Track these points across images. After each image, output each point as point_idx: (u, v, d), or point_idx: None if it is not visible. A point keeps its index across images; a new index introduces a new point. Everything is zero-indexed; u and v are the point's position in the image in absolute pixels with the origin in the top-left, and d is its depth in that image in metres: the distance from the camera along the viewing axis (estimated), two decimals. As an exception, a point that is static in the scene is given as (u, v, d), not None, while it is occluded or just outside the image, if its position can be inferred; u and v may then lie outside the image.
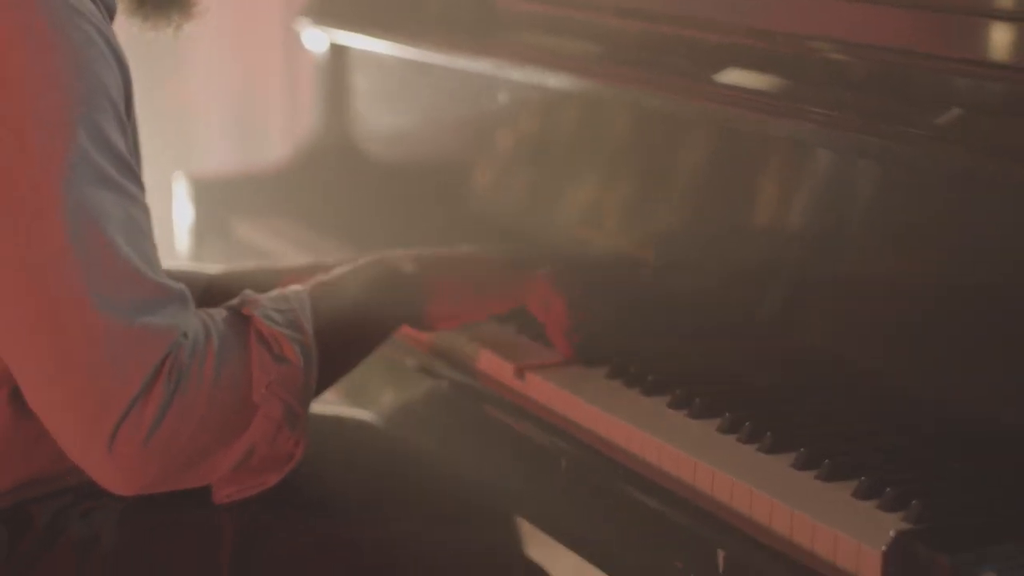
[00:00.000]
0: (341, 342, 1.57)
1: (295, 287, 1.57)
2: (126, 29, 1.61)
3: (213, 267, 1.86)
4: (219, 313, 1.49)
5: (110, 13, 1.57)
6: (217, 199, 2.35)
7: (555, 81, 1.97)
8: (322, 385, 1.55)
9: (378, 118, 2.36)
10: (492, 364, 1.74)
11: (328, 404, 1.89)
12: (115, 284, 1.39)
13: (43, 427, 1.52)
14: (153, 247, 1.46)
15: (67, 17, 1.41)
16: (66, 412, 1.40)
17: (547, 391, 1.66)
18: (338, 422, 1.91)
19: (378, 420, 1.94)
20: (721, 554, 1.39)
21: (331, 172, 2.39)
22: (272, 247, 2.24)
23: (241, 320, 1.49)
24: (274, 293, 1.54)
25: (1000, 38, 1.71)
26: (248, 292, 1.53)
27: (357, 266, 1.66)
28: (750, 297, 1.70)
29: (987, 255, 1.48)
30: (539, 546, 1.80)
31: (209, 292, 1.86)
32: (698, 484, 1.46)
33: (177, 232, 2.37)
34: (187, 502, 1.56)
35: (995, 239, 1.47)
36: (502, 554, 1.74)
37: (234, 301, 1.52)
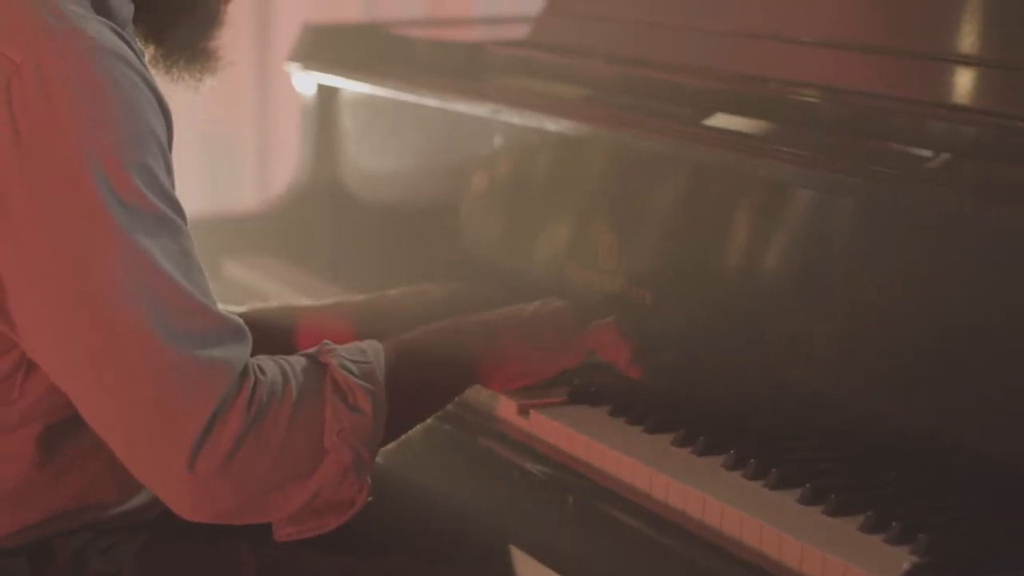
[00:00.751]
0: (410, 399, 1.62)
1: (372, 341, 1.61)
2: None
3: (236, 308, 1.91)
4: (298, 360, 1.54)
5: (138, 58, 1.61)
6: (206, 240, 2.37)
7: (541, 124, 2.02)
8: (390, 435, 1.60)
9: (365, 159, 2.40)
10: (497, 403, 1.78)
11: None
12: (178, 318, 1.44)
13: (67, 465, 1.55)
14: (204, 277, 1.50)
15: (114, 64, 1.45)
16: (142, 444, 1.45)
17: (552, 429, 1.70)
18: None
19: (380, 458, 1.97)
20: (733, 588, 1.43)
21: (319, 212, 2.43)
22: (262, 286, 2.27)
23: (318, 367, 1.54)
24: (351, 345, 1.59)
25: (970, 83, 1.78)
26: (327, 342, 1.57)
27: (431, 328, 1.70)
28: (747, 335, 1.75)
29: (971, 293, 1.53)
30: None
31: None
32: (707, 519, 1.50)
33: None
34: (205, 538, 1.59)
35: (976, 276, 1.53)
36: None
37: (312, 350, 1.56)
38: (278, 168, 3.44)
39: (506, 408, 1.77)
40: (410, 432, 1.83)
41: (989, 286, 1.52)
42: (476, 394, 1.80)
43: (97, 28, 1.46)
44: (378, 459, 1.91)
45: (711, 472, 1.57)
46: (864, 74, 1.90)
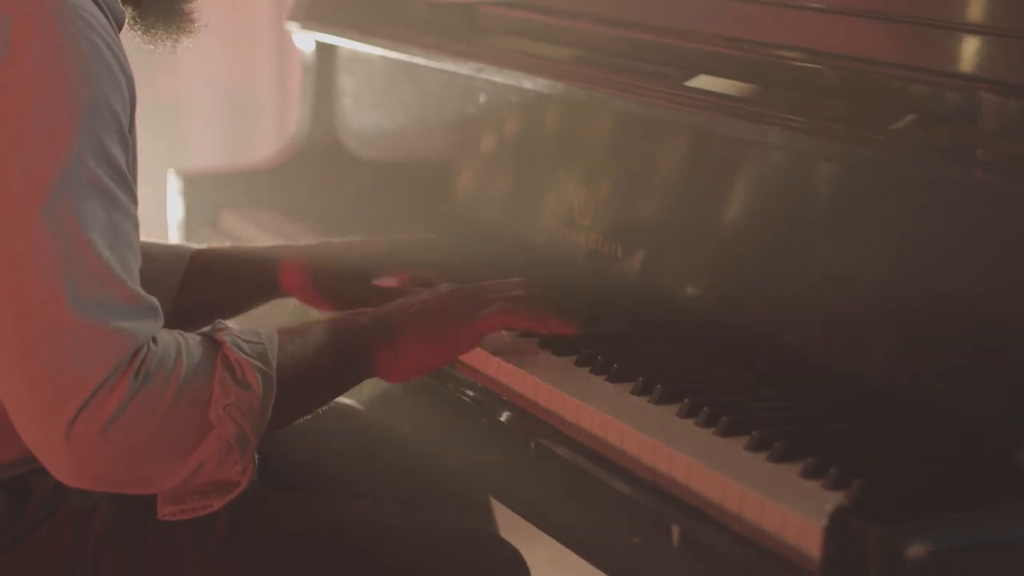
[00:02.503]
0: (300, 383, 1.63)
1: (267, 328, 1.63)
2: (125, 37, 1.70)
3: (195, 245, 1.97)
4: (192, 337, 1.56)
5: (118, 23, 1.66)
6: (207, 193, 2.44)
7: (533, 83, 2.06)
8: (276, 422, 1.60)
9: (362, 116, 2.46)
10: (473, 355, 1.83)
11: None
12: (90, 284, 1.46)
13: None
14: (136, 258, 1.53)
15: (78, 28, 1.49)
16: (27, 398, 1.47)
17: (518, 378, 1.75)
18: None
19: (361, 406, 2.03)
20: (675, 530, 1.49)
21: (315, 167, 2.48)
22: (258, 238, 2.33)
23: (212, 344, 1.56)
24: (246, 328, 1.61)
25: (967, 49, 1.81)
26: (220, 321, 1.60)
27: (326, 320, 1.73)
28: (709, 291, 1.80)
29: (943, 253, 1.58)
30: (513, 527, 1.90)
31: (194, 265, 1.98)
32: (658, 465, 1.55)
33: (170, 224, 2.47)
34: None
35: (955, 237, 1.57)
36: (478, 536, 1.83)
37: (207, 328, 1.59)
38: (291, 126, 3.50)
39: (477, 357, 1.82)
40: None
41: (948, 244, 1.57)
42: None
43: None
44: (358, 405, 1.98)
45: (665, 420, 1.61)
46: (851, 38, 1.94)
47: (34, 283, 1.46)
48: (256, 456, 1.58)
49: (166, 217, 2.47)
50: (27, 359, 1.46)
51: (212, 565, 1.66)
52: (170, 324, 1.90)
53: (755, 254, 1.77)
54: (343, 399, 2.00)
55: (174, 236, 2.45)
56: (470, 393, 1.81)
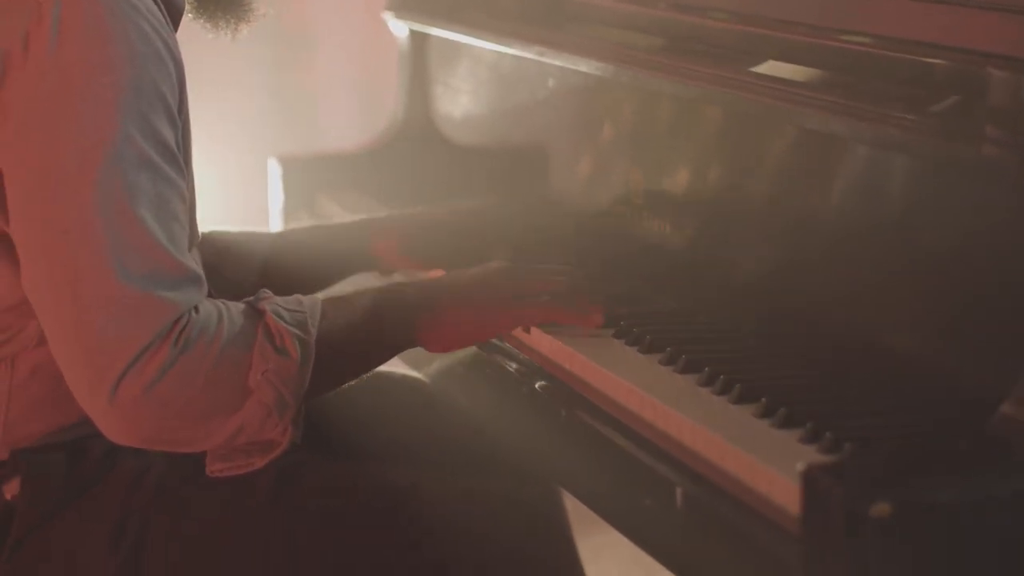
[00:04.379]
0: (341, 351, 1.70)
1: (312, 296, 1.71)
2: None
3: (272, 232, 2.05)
4: (236, 305, 1.64)
5: (178, 13, 1.75)
6: (304, 178, 2.53)
7: (618, 72, 2.10)
8: (317, 388, 1.67)
9: (452, 103, 2.53)
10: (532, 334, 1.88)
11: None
12: (136, 255, 1.55)
13: None
14: (182, 230, 1.61)
15: (126, 14, 1.58)
16: (76, 363, 1.56)
17: (555, 348, 1.81)
18: (390, 379, 2.08)
19: (429, 379, 2.10)
20: (679, 491, 1.53)
21: (408, 152, 2.56)
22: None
23: (255, 313, 1.64)
24: (291, 297, 1.69)
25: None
26: (265, 291, 1.68)
27: (374, 288, 1.79)
28: (741, 267, 1.85)
29: (957, 232, 1.60)
30: (556, 498, 1.95)
31: (275, 249, 2.07)
32: (669, 430, 1.60)
33: (271, 210, 2.56)
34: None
35: (966, 219, 1.59)
36: (521, 502, 1.89)
37: (251, 298, 1.67)
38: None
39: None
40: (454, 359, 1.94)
41: (947, 210, 1.60)
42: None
43: None
44: (420, 375, 2.05)
45: (684, 387, 1.67)
46: (924, 22, 1.95)
47: (84, 255, 1.55)
48: (299, 419, 1.65)
49: (266, 201, 2.57)
50: (79, 327, 1.55)
51: (255, 526, 1.73)
52: None
53: (788, 232, 1.80)
54: (392, 367, 2.07)
55: (275, 221, 2.54)
56: (512, 363, 1.87)
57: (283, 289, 2.05)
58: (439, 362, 2.09)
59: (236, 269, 2.02)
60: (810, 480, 1.34)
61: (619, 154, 2.14)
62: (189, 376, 1.56)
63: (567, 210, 2.22)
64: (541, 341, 1.83)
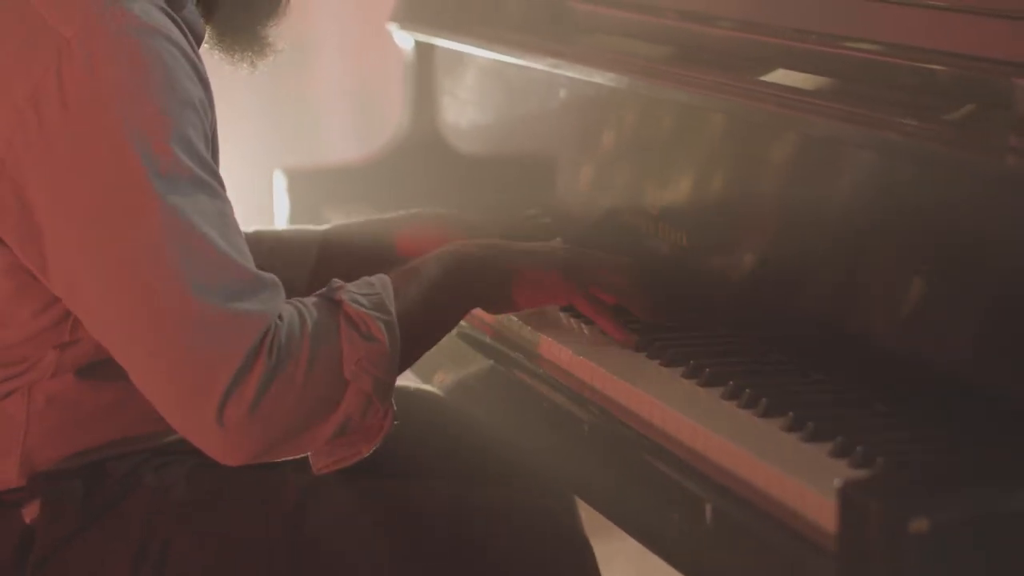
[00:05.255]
0: (422, 322, 1.71)
1: (379, 275, 1.70)
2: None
3: (323, 226, 2.08)
4: (311, 300, 1.64)
5: (197, 39, 1.74)
6: (310, 190, 2.53)
7: (625, 82, 2.10)
8: (406, 361, 1.69)
9: (460, 114, 2.52)
10: (549, 346, 1.88)
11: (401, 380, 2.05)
12: (211, 273, 1.54)
13: (123, 399, 1.68)
14: (244, 242, 1.61)
15: (156, 41, 1.57)
16: (172, 394, 1.55)
17: (576, 362, 1.81)
18: (405, 393, 2.07)
19: (443, 392, 2.10)
20: (708, 507, 1.53)
21: (415, 164, 2.56)
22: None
23: (332, 305, 1.63)
24: (360, 281, 1.68)
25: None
26: (336, 280, 1.67)
27: (435, 253, 1.79)
28: (761, 278, 1.85)
29: (979, 242, 1.59)
30: (573, 507, 1.95)
31: (326, 244, 2.07)
32: (696, 444, 1.59)
33: (277, 222, 2.56)
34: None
35: (991, 229, 1.58)
36: (539, 514, 1.89)
37: (323, 289, 1.66)
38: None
39: (545, 344, 1.88)
40: (469, 372, 1.94)
41: (987, 232, 1.58)
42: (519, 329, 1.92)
43: (143, 7, 1.58)
44: (435, 389, 2.05)
45: (710, 402, 1.66)
46: (930, 31, 1.95)
47: (158, 281, 1.54)
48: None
49: (272, 214, 2.56)
50: (163, 353, 1.54)
51: (277, 544, 1.73)
52: None
53: (810, 243, 1.79)
54: (416, 383, 2.07)
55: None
56: (531, 375, 1.87)
57: None
58: (454, 375, 2.08)
59: (288, 268, 2.02)
60: (847, 496, 1.33)
61: (632, 164, 2.13)
62: (288, 384, 1.56)
63: (575, 220, 2.22)
64: (560, 353, 1.83)
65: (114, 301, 1.56)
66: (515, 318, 1.92)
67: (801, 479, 1.45)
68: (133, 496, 1.73)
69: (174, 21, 1.63)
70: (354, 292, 1.65)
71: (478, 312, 1.97)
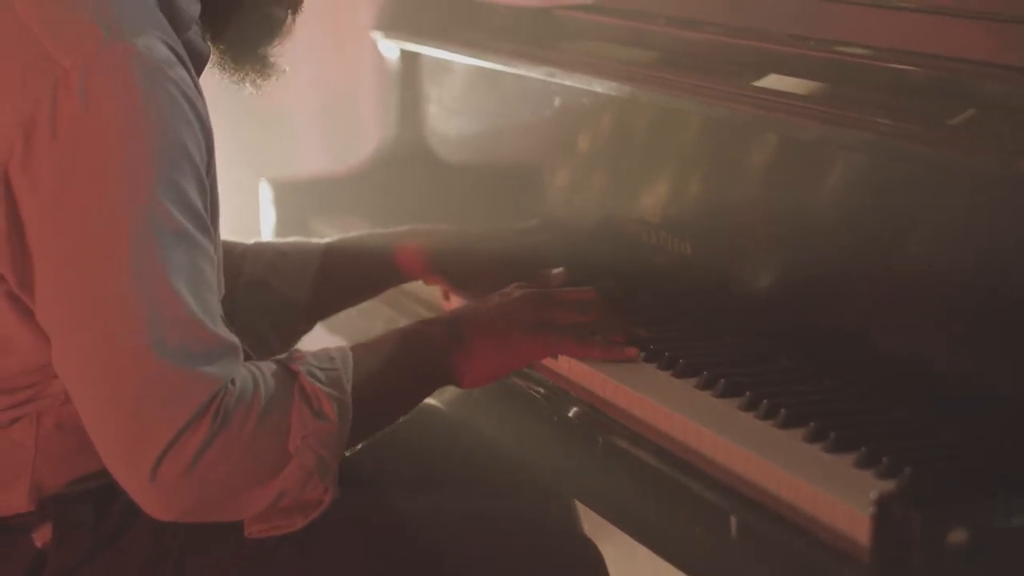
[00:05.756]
0: (380, 399, 1.70)
1: (342, 347, 1.68)
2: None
3: (323, 240, 2.06)
4: (268, 367, 1.61)
5: (202, 62, 1.71)
6: (297, 201, 2.51)
7: (613, 88, 2.09)
8: (360, 436, 1.68)
9: (447, 122, 2.51)
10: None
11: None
12: (174, 330, 1.52)
13: None
14: (215, 298, 1.58)
15: (155, 79, 1.54)
16: (113, 441, 1.53)
17: (587, 375, 1.80)
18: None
19: (443, 405, 2.08)
20: (733, 520, 1.52)
21: (402, 174, 2.54)
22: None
23: (288, 375, 1.61)
24: (321, 351, 1.66)
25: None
26: (296, 349, 1.66)
27: (399, 330, 1.77)
28: (769, 285, 1.84)
29: (993, 247, 1.59)
30: (582, 518, 1.94)
31: (327, 258, 2.06)
32: (718, 458, 1.58)
33: (263, 233, 2.53)
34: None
35: (1007, 232, 1.58)
36: (542, 525, 1.88)
37: (283, 356, 1.64)
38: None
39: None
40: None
41: (1001, 232, 1.59)
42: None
43: (147, 42, 1.55)
44: (438, 403, 2.03)
45: (728, 413, 1.65)
46: (920, 34, 1.95)
47: (119, 329, 1.51)
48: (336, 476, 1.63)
49: (259, 225, 2.54)
50: (113, 402, 1.52)
51: (288, 561, 1.71)
52: (308, 315, 2.05)
53: (818, 248, 1.79)
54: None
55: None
56: (540, 390, 1.85)
57: (336, 299, 2.11)
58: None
59: (289, 283, 2.01)
60: (885, 509, 1.33)
61: (630, 172, 2.12)
62: (229, 448, 1.54)
63: (568, 228, 2.21)
64: (570, 366, 1.81)
65: (75, 340, 1.54)
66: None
67: (829, 491, 1.45)
68: (143, 518, 1.69)
69: (176, 53, 1.59)
70: (312, 365, 1.63)
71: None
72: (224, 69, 1.79)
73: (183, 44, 1.64)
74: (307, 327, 2.09)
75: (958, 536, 1.30)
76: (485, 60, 2.34)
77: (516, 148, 2.36)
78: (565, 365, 1.82)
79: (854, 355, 1.71)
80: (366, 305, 2.17)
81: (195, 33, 1.69)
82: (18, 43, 1.56)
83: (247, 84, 1.80)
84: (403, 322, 2.14)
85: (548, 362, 1.83)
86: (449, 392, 2.02)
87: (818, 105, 1.84)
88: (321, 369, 1.62)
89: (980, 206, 1.60)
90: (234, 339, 1.58)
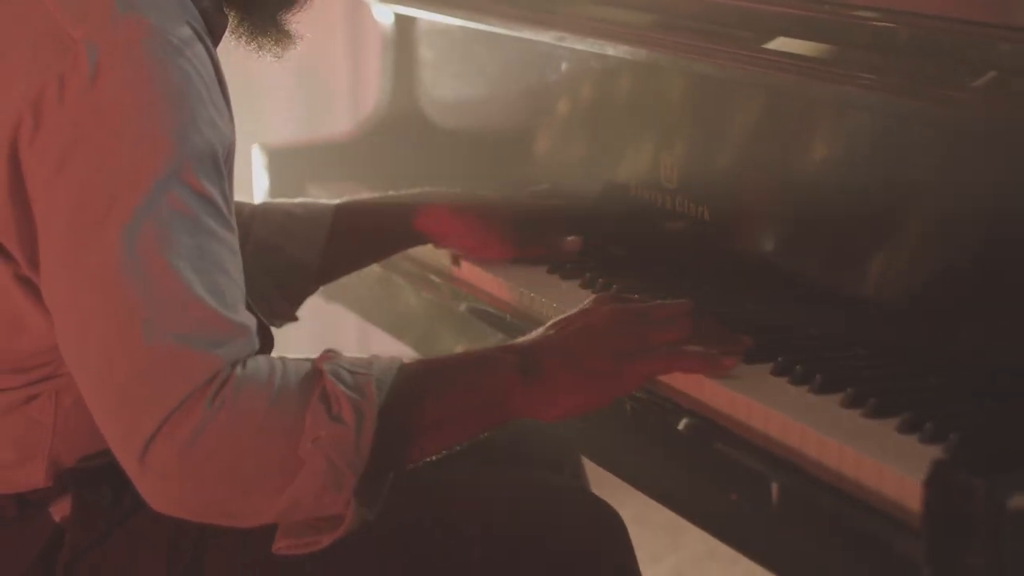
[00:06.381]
0: (424, 420, 1.55)
1: (394, 357, 1.56)
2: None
3: (333, 201, 2.02)
4: (298, 363, 1.51)
5: (219, 31, 1.66)
6: (291, 167, 2.47)
7: (613, 50, 2.07)
8: (397, 456, 1.54)
9: (443, 87, 2.48)
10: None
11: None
12: (169, 308, 1.45)
13: None
14: (230, 281, 1.50)
15: (168, 55, 1.48)
16: (108, 421, 1.47)
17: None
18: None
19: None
20: (775, 487, 1.50)
21: (397, 139, 2.51)
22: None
23: (313, 373, 1.51)
24: (360, 356, 1.54)
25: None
26: (330, 350, 1.55)
27: (466, 355, 1.66)
28: (795, 249, 1.82)
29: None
30: (601, 484, 1.92)
31: (338, 219, 2.02)
32: (754, 423, 1.57)
33: (256, 198, 2.50)
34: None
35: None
36: (574, 493, 1.85)
37: (319, 355, 1.54)
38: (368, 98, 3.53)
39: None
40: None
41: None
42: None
43: (161, 18, 1.50)
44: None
45: (759, 378, 1.63)
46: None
47: (111, 306, 1.45)
48: (374, 493, 1.53)
49: (251, 191, 2.50)
50: (105, 383, 1.46)
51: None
52: (318, 277, 1.97)
53: (839, 213, 1.78)
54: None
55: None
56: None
57: (346, 262, 2.07)
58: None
59: (300, 246, 1.96)
60: (944, 475, 1.31)
61: (643, 136, 2.09)
62: (228, 439, 1.45)
63: (579, 194, 2.18)
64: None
65: (70, 318, 1.49)
66: (543, 298, 1.89)
67: (875, 456, 1.43)
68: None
69: (193, 28, 1.54)
70: (341, 366, 1.52)
71: (496, 291, 1.94)
72: (240, 38, 1.74)
73: (199, 13, 1.59)
74: (314, 288, 2.06)
75: (1018, 502, 1.29)
76: (484, 23, 2.31)
77: (514, 114, 2.33)
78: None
79: (886, 321, 1.69)
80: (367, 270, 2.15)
81: (211, 3, 1.65)
82: (30, 16, 1.52)
83: (264, 53, 1.76)
84: (402, 283, 2.13)
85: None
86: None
87: (835, 68, 1.82)
88: (350, 372, 1.51)
89: (1018, 167, 1.59)
90: (245, 323, 1.50)
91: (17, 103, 1.49)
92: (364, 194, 2.18)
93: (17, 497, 1.65)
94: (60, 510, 1.64)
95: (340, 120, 3.54)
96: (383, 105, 2.54)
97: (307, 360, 1.53)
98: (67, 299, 1.49)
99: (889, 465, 1.42)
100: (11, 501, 1.64)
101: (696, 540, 3.26)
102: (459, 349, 2.08)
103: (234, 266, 1.52)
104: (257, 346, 1.52)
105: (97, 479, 1.64)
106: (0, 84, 1.50)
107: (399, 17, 2.52)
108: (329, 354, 1.54)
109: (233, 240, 1.52)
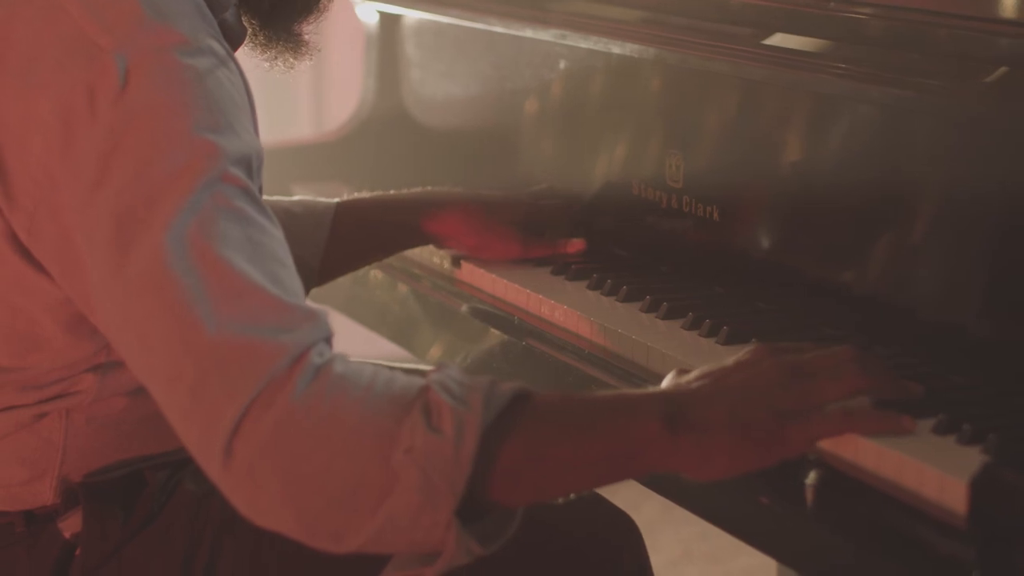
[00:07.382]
0: (541, 456, 1.40)
1: (520, 383, 1.43)
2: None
3: (332, 200, 2.00)
4: (407, 373, 1.41)
5: (238, 40, 1.64)
6: (277, 167, 2.43)
7: (602, 46, 2.05)
8: (507, 491, 1.39)
9: (430, 86, 2.45)
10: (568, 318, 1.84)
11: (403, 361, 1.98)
12: (225, 299, 1.38)
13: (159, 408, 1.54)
14: (287, 271, 1.43)
15: (197, 60, 1.45)
16: (185, 429, 1.38)
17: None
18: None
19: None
20: (809, 490, 1.48)
21: (382, 139, 2.49)
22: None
23: (420, 384, 1.39)
24: (482, 378, 1.42)
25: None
26: (444, 362, 1.44)
27: (603, 393, 1.51)
28: (810, 248, 1.81)
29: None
30: (613, 491, 1.89)
31: (340, 216, 2.00)
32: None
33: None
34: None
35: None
36: (589, 502, 1.82)
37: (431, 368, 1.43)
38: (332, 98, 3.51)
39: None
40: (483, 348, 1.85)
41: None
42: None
43: (191, 27, 1.47)
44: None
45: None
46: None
47: (166, 304, 1.38)
48: (493, 526, 1.41)
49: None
50: (175, 386, 1.38)
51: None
52: (320, 276, 1.95)
53: (849, 210, 1.77)
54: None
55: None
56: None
57: (346, 261, 2.05)
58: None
59: (300, 245, 1.91)
60: (992, 477, 1.30)
61: (644, 135, 2.08)
62: (316, 437, 1.34)
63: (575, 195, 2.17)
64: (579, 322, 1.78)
65: (128, 330, 1.42)
66: (552, 300, 1.87)
67: (915, 457, 1.42)
68: (174, 504, 1.64)
69: (220, 44, 1.51)
70: (450, 377, 1.40)
71: (502, 293, 1.92)
72: (256, 47, 1.71)
73: (219, 24, 1.56)
74: (313, 287, 2.03)
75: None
76: (469, 19, 2.29)
77: (503, 113, 2.31)
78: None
79: (905, 319, 1.68)
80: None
81: (231, 15, 1.62)
82: (56, 28, 1.47)
83: (279, 63, 1.72)
84: (403, 286, 2.10)
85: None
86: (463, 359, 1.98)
87: (842, 63, 1.81)
88: (459, 383, 1.39)
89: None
90: (312, 308, 1.43)
91: (48, 117, 1.45)
92: (351, 194, 2.15)
93: (25, 514, 1.62)
94: (70, 526, 1.61)
95: (303, 120, 3.52)
96: (367, 104, 2.52)
97: (419, 372, 1.46)
98: (121, 312, 1.42)
99: (930, 466, 1.40)
100: (20, 517, 1.62)
101: (672, 542, 3.25)
102: (460, 351, 2.05)
103: (288, 257, 1.46)
104: (331, 332, 1.42)
105: (107, 494, 1.61)
106: (28, 98, 1.46)
107: (383, 15, 2.48)
108: (442, 364, 1.44)
109: (281, 235, 1.47)
